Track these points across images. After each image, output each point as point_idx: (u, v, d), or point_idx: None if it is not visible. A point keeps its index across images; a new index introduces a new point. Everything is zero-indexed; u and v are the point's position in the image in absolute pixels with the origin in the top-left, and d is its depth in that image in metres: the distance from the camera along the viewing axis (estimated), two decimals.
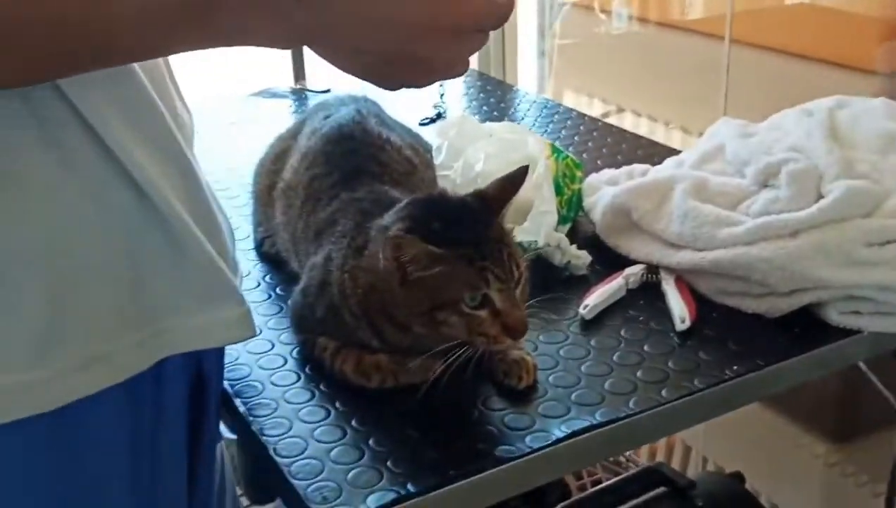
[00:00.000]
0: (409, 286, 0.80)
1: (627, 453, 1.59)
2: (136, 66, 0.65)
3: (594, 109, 1.75)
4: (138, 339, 0.67)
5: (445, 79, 0.64)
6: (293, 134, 1.09)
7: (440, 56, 0.60)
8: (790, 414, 1.53)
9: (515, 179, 0.85)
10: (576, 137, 1.46)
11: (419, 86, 0.63)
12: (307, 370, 0.90)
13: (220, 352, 0.83)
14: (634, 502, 1.17)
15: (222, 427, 0.92)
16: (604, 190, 1.09)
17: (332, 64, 0.61)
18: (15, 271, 0.60)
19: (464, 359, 0.79)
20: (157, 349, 0.68)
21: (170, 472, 0.75)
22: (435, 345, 0.84)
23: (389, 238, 0.79)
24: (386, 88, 0.63)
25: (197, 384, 0.78)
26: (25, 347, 0.61)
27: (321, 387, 0.87)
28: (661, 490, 1.18)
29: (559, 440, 0.78)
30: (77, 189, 0.62)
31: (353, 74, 0.61)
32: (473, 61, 1.44)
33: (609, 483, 1.22)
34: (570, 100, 1.79)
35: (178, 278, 0.69)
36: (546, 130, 1.49)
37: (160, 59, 0.71)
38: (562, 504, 1.15)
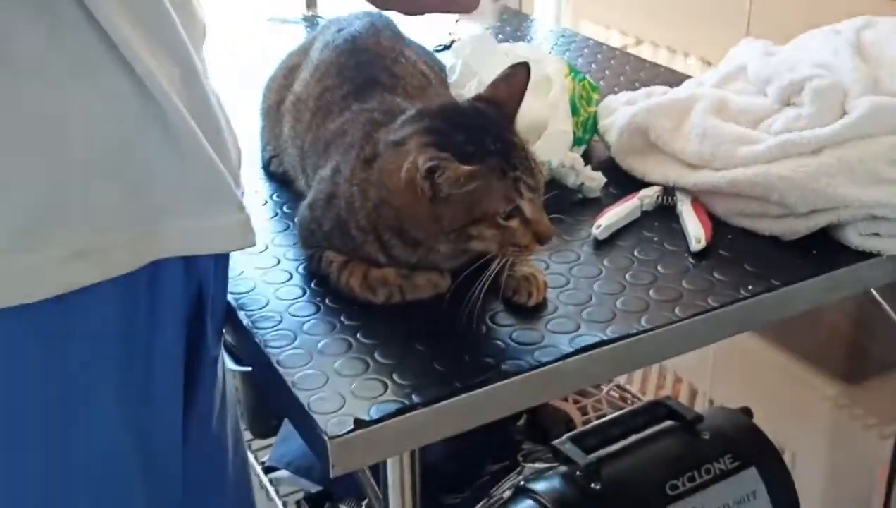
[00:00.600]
0: (439, 204, 0.77)
1: (634, 390, 1.58)
2: None
3: (612, 40, 1.70)
4: (131, 237, 0.65)
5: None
6: (305, 49, 1.06)
7: None
8: (799, 355, 1.51)
9: (517, 78, 0.82)
10: (593, 66, 1.42)
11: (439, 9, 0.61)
12: (313, 284, 0.88)
13: (222, 267, 0.80)
14: (640, 435, 1.15)
15: (228, 361, 0.90)
16: (621, 110, 1.06)
17: None
18: (5, 152, 0.58)
19: (486, 275, 0.78)
20: (150, 249, 0.66)
21: (163, 385, 0.73)
22: (444, 263, 0.82)
23: (425, 161, 0.75)
24: (406, 12, 0.61)
25: (197, 299, 0.75)
26: (11, 232, 0.59)
27: (327, 302, 0.85)
28: (668, 423, 1.16)
29: (567, 355, 0.77)
30: (67, 64, 0.59)
31: None
32: None
33: (614, 415, 1.20)
34: (588, 31, 1.75)
35: (177, 178, 0.66)
36: (563, 58, 1.45)
37: None
38: (566, 435, 1.13)
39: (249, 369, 0.86)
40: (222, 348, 0.86)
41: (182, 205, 0.67)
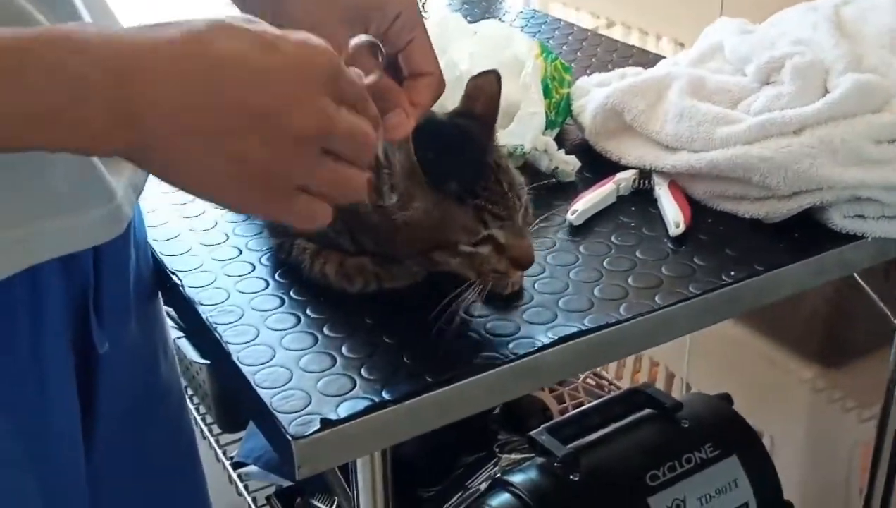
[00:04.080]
0: (400, 225, 0.73)
1: (610, 378, 1.55)
2: None
3: (582, 21, 1.67)
4: (3, 246, 0.60)
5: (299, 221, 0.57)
6: None
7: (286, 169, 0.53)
8: (777, 339, 1.50)
9: (488, 87, 0.75)
10: (564, 47, 1.38)
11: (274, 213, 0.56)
12: (277, 275, 0.83)
13: (108, 257, 0.74)
14: (619, 424, 1.13)
15: (191, 352, 0.85)
16: (594, 92, 1.02)
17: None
18: None
19: (458, 299, 0.73)
20: (24, 256, 0.62)
21: (55, 388, 0.69)
22: (422, 272, 0.78)
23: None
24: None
25: (81, 295, 0.71)
26: None
27: (291, 294, 0.81)
28: (647, 411, 1.13)
29: (545, 347, 0.73)
30: None
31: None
32: None
33: (591, 404, 1.17)
34: (558, 12, 1.71)
35: (46, 178, 0.61)
36: (534, 38, 1.41)
37: None
38: (543, 426, 1.10)
39: (208, 362, 0.82)
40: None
41: (52, 205, 0.62)
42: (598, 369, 1.53)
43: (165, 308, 0.88)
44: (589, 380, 1.46)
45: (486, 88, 0.75)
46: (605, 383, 1.49)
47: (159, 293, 0.87)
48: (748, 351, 1.52)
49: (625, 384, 1.65)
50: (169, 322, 0.88)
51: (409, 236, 0.73)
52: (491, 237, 0.72)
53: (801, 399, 1.52)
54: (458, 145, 0.73)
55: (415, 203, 0.72)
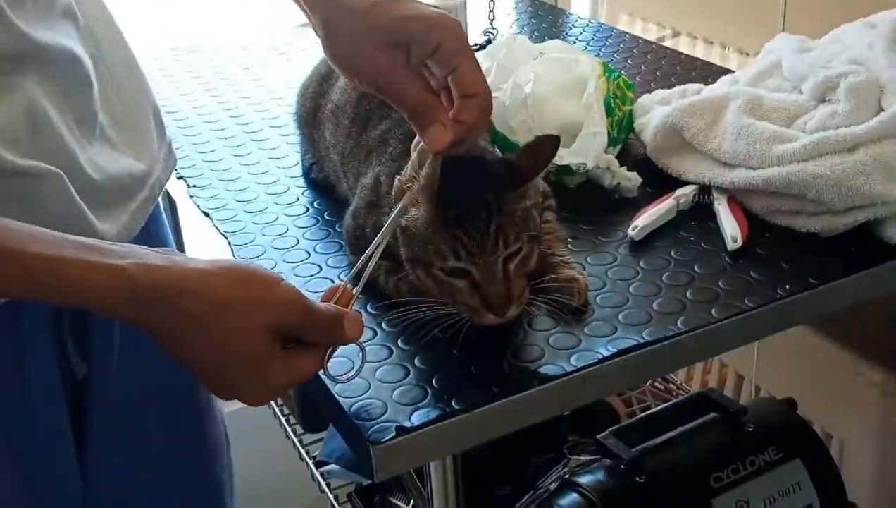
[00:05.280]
0: (402, 229, 0.78)
1: (678, 381, 1.57)
2: None
3: (649, 33, 1.68)
4: None
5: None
6: None
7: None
8: (847, 342, 1.49)
9: (544, 150, 0.78)
10: (629, 61, 1.41)
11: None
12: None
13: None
14: (684, 427, 1.15)
15: None
16: (655, 110, 1.05)
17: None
18: None
19: (447, 325, 0.76)
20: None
21: (45, 418, 0.75)
22: None
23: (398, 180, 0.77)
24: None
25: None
26: None
27: (368, 308, 0.86)
28: (712, 415, 1.15)
29: (605, 359, 0.77)
30: None
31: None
32: None
33: (658, 408, 1.20)
34: (625, 24, 1.73)
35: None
36: (598, 53, 1.45)
37: None
38: (609, 429, 1.13)
39: None
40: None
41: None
42: None
43: None
44: (657, 384, 1.49)
45: (541, 146, 0.78)
46: (673, 387, 1.51)
47: None
48: (817, 354, 1.52)
49: (695, 387, 1.67)
50: None
51: (403, 242, 0.78)
52: (465, 271, 0.75)
53: (871, 403, 1.51)
54: (471, 178, 0.77)
55: (415, 210, 0.76)
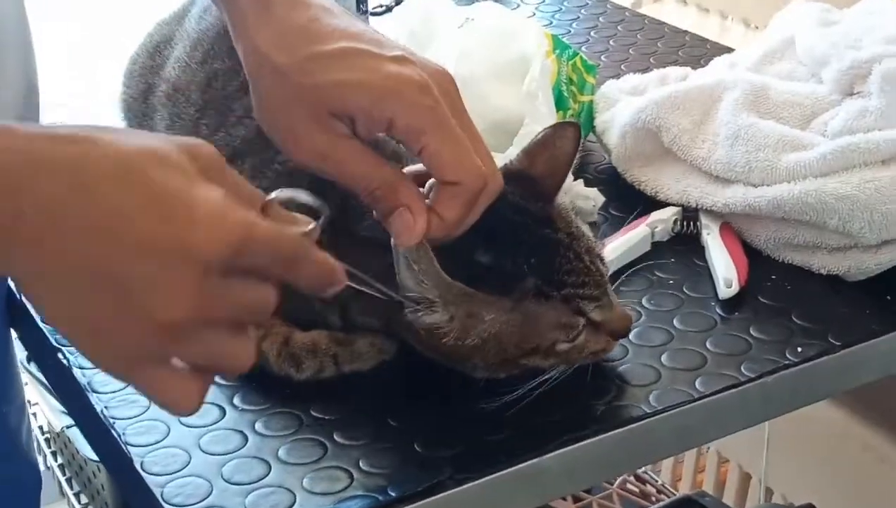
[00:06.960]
0: (472, 348, 0.79)
1: (659, 482, 1.58)
2: None
3: None
4: None
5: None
6: (179, 17, 1.06)
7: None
8: (882, 425, 1.52)
9: (562, 146, 0.81)
10: (592, 33, 1.44)
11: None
12: None
13: None
14: None
15: (86, 448, 0.89)
16: (624, 102, 1.07)
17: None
18: None
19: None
20: None
21: None
22: None
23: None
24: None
25: None
26: None
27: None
28: None
29: (543, 452, 0.77)
30: None
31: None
32: None
33: None
34: None
35: None
36: (550, 23, 1.47)
37: None
38: None
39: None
40: None
41: None
42: (643, 469, 1.56)
43: None
44: (629, 484, 1.50)
45: (556, 142, 0.81)
46: (652, 489, 1.52)
47: None
48: (845, 441, 1.55)
49: (683, 489, 1.69)
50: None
51: (485, 352, 0.79)
52: (591, 321, 0.80)
53: None
54: (518, 233, 0.79)
55: (485, 319, 0.78)
